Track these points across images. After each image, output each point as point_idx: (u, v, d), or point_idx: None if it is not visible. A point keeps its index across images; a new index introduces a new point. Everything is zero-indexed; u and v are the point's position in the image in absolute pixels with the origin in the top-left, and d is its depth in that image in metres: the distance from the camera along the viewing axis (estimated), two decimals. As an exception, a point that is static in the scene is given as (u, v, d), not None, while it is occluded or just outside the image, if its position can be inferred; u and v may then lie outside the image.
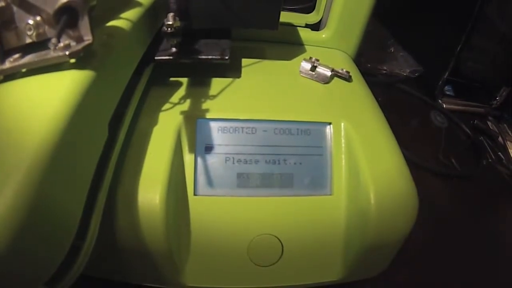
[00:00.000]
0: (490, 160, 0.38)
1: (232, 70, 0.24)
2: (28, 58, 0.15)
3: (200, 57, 0.21)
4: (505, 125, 0.43)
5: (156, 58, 0.21)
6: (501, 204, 0.34)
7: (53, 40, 0.13)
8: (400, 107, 0.41)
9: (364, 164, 0.19)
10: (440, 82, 0.42)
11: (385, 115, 0.24)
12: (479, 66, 0.42)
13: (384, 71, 0.45)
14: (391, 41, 0.49)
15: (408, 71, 0.45)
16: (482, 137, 0.41)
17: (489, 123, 0.43)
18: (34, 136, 0.12)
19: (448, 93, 0.44)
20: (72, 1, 0.12)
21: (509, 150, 0.40)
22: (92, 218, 0.15)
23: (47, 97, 0.13)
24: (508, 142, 0.41)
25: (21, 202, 0.10)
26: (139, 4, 0.20)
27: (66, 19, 0.13)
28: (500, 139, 0.41)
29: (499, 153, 0.39)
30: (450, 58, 0.41)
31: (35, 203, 0.11)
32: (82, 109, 0.13)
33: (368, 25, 0.28)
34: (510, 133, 0.42)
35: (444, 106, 0.43)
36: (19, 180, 0.11)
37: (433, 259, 0.27)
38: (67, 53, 0.14)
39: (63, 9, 0.12)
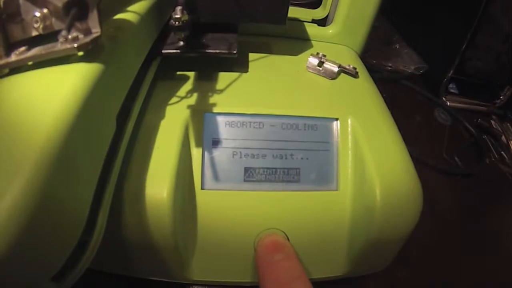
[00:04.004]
0: (493, 159, 0.38)
1: (239, 64, 0.24)
2: (35, 51, 0.14)
3: (207, 51, 0.21)
4: (508, 124, 0.43)
5: (163, 51, 0.21)
6: (503, 203, 0.34)
7: (63, 33, 0.13)
8: (404, 103, 0.41)
9: (370, 160, 0.19)
10: (445, 79, 0.42)
11: (389, 111, 0.24)
12: (483, 64, 0.41)
13: (389, 68, 0.45)
14: (396, 38, 0.49)
15: (413, 68, 0.45)
16: (485, 136, 0.41)
17: (492, 122, 0.43)
18: (41, 131, 0.11)
19: (452, 91, 0.44)
20: (84, -8, 0.12)
21: (512, 150, 0.40)
22: (100, 213, 0.15)
23: (55, 91, 0.13)
24: (511, 142, 0.41)
25: (28, 199, 0.10)
26: (146, -3, 0.20)
27: (76, 11, 0.12)
28: (503, 138, 0.41)
29: (502, 152, 0.39)
30: (454, 56, 0.40)
31: (42, 199, 0.11)
32: (90, 103, 0.13)
33: (374, 21, 0.28)
34: (513, 132, 0.42)
35: (448, 103, 0.43)
36: (26, 176, 0.10)
37: (434, 258, 0.27)
38: (75, 45, 0.13)
39: (73, 1, 0.12)
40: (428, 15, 0.46)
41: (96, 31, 0.14)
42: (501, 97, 0.43)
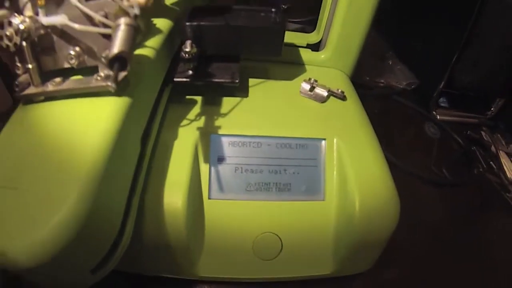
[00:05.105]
0: (481, 170, 0.39)
1: (240, 90, 0.27)
2: (71, 84, 0.17)
3: (213, 80, 0.24)
4: (498, 135, 0.43)
5: (175, 79, 0.24)
6: (491, 213, 0.35)
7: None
8: (396, 118, 0.43)
9: (352, 174, 0.22)
10: (435, 94, 0.43)
11: (381, 126, 0.26)
12: (473, 77, 0.41)
13: (382, 84, 0.47)
14: (389, 54, 0.50)
15: (405, 83, 0.46)
16: (474, 147, 0.41)
17: (482, 133, 0.43)
18: (88, 155, 0.14)
19: (442, 104, 0.45)
20: (123, 52, 0.15)
21: (501, 160, 0.40)
22: (128, 220, 0.17)
23: (95, 120, 0.16)
24: (501, 152, 0.41)
25: (81, 209, 0.13)
26: (159, 31, 0.22)
27: (118, 65, 0.15)
28: (492, 148, 0.41)
29: (491, 162, 0.40)
30: (444, 70, 0.41)
31: (91, 209, 0.13)
32: (123, 130, 0.16)
33: (367, 37, 0.29)
34: (503, 143, 0.42)
35: (438, 117, 0.44)
36: (80, 190, 0.13)
37: (425, 267, 0.28)
38: (109, 83, 0.16)
39: (116, 59, 0.15)
40: (418, 30, 0.47)
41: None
42: (492, 109, 0.44)
